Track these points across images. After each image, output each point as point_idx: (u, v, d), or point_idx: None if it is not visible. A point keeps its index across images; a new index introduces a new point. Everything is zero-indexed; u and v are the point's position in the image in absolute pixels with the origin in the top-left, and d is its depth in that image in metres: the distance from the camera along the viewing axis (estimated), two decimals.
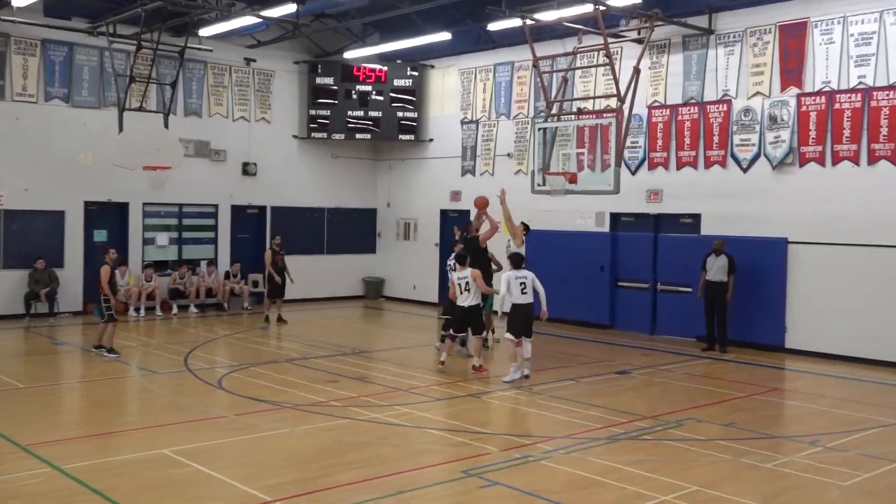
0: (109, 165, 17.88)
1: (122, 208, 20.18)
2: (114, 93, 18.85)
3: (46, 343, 15.98)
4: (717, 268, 15.31)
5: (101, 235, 19.95)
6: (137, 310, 19.30)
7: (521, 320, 12.70)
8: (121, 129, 17.75)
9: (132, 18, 17.36)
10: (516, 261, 13.10)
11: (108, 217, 20.10)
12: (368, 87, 22.55)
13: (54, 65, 18.97)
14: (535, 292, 12.89)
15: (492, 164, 21.04)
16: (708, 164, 16.79)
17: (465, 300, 13.29)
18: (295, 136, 22.77)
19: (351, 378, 12.79)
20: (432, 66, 22.68)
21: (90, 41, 19.09)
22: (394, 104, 22.67)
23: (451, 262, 15.12)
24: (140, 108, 18.31)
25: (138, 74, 18.37)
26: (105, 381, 12.74)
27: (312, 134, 22.61)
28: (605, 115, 16.17)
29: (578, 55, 17.00)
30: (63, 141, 18.86)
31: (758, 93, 16.04)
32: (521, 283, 12.72)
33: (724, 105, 16.50)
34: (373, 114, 22.63)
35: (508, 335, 12.66)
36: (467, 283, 13.25)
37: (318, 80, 22.45)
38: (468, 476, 8.08)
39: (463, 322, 13.58)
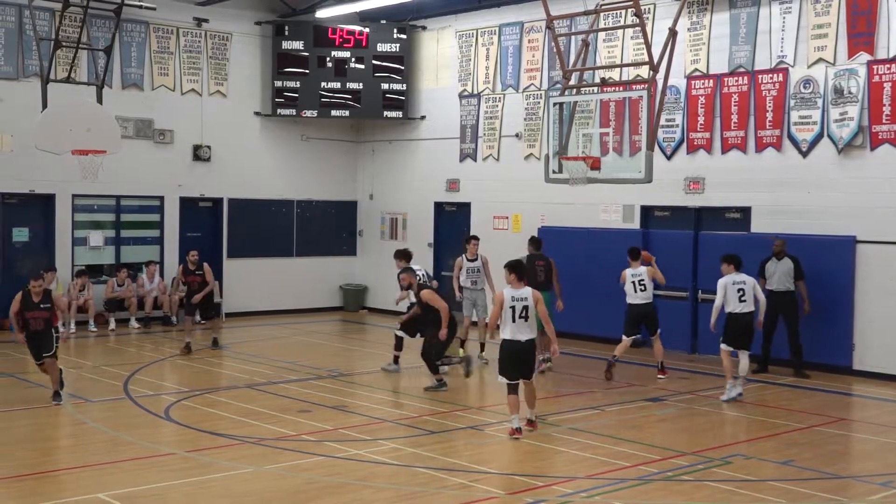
0: (31, 149, 17.93)
1: (47, 201, 20.25)
2: (35, 60, 18.88)
3: None
4: (780, 274, 15.36)
5: (21, 234, 20.02)
6: (65, 325, 19.34)
7: (740, 330, 13.58)
8: (44, 105, 17.78)
9: None
10: (737, 262, 13.81)
11: (29, 212, 20.17)
12: (346, 54, 22.66)
13: None
14: (756, 300, 13.69)
15: (497, 147, 21.15)
16: (760, 146, 16.91)
17: (522, 332, 11.19)
18: (257, 114, 22.88)
19: (327, 407, 12.87)
20: (424, 28, 22.78)
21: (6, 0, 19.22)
22: (377, 74, 22.77)
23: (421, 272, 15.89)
24: (68, 80, 18.36)
25: (65, 38, 18.39)
26: (28, 411, 12.79)
27: (278, 110, 22.72)
28: (634, 87, 16.28)
29: (602, 14, 17.07)
30: None
31: (820, 59, 16.16)
32: (738, 290, 13.56)
33: (780, 75, 16.63)
34: (352, 86, 22.74)
35: (725, 346, 13.54)
36: (525, 308, 11.15)
37: (285, 45, 22.55)
38: None
39: (518, 363, 11.30)
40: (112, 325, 20.07)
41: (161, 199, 21.71)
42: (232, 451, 10.46)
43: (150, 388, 14.05)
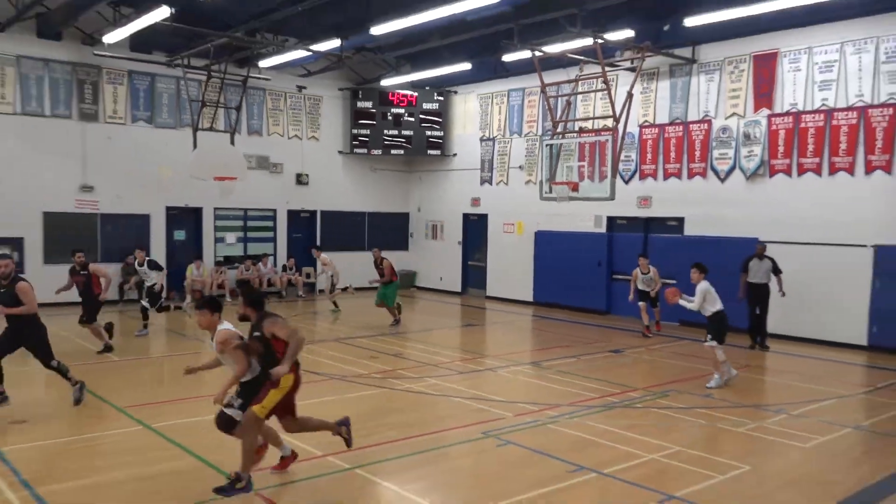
0: (186, 177, 18.17)
1: (197, 212, 20.48)
2: (188, 115, 19.13)
3: (136, 324, 16.27)
4: (762, 271, 14.17)
5: (180, 235, 20.28)
6: (224, 296, 19.59)
7: (728, 327, 11.07)
8: (195, 146, 18.03)
9: (203, 52, 17.62)
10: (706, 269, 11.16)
11: (185, 220, 20.41)
12: (402, 110, 22.70)
13: (139, 92, 19.28)
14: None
15: (506, 175, 21.11)
16: (691, 174, 16.79)
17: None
18: (340, 152, 22.96)
19: (388, 354, 12.97)
20: (455, 92, 22.78)
21: (168, 72, 19.38)
22: (423, 124, 22.81)
23: None
24: (210, 128, 18.58)
25: (209, 100, 18.63)
26: (184, 356, 12.99)
27: (354, 150, 22.79)
28: (602, 133, 16.21)
29: (580, 81, 17.05)
30: (147, 156, 19.17)
31: (734, 114, 16.03)
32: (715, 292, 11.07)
33: (705, 124, 16.50)
34: (405, 132, 22.78)
35: (717, 344, 10.83)
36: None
37: (359, 104, 22.62)
38: (486, 437, 8.21)
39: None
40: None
41: (274, 211, 21.86)
42: (324, 385, 10.57)
43: None
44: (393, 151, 22.92)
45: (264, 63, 19.35)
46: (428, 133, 22.83)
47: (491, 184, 21.58)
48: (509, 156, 21.00)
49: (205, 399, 9.87)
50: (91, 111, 18.57)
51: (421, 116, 22.75)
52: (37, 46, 17.72)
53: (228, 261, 20.80)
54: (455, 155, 22.83)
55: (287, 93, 21.81)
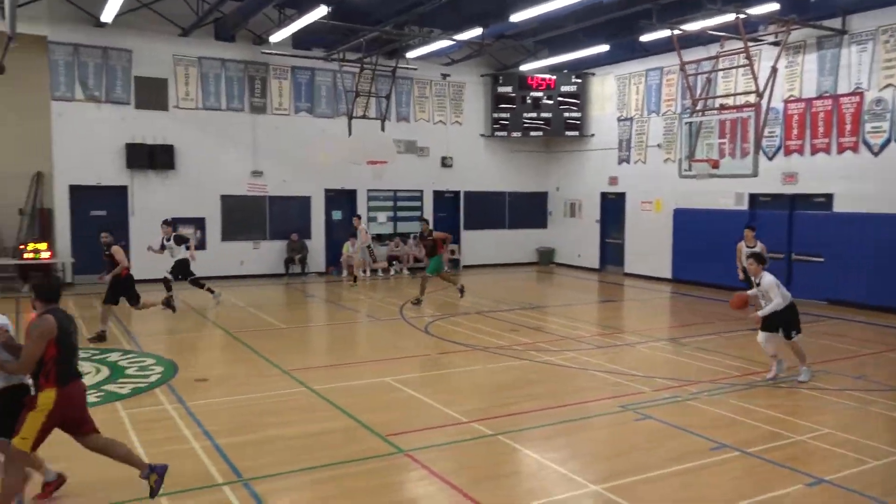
0: (343, 162, 18.75)
1: (351, 194, 21.11)
2: (344, 105, 19.71)
3: (300, 295, 17.06)
4: None
5: (336, 214, 21.01)
6: (365, 272, 20.23)
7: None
8: (350, 133, 18.57)
9: (356, 46, 18.00)
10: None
11: (341, 201, 21.10)
12: (540, 94, 22.28)
13: (301, 85, 20.04)
14: None
15: (644, 154, 20.27)
16: (840, 149, 15.37)
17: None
18: (482, 135, 22.89)
19: (528, 328, 12.82)
20: (593, 74, 22.07)
21: (326, 66, 20.00)
22: (561, 106, 22.29)
23: None
24: (363, 116, 19.05)
25: (362, 90, 19.05)
26: (343, 325, 13.47)
27: (495, 133, 22.65)
28: (744, 109, 15.16)
29: (721, 58, 16.01)
30: (308, 142, 19.90)
31: (888, 85, 14.47)
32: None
33: (857, 97, 15.01)
34: (544, 115, 22.36)
35: (795, 334, 9.03)
36: None
37: (500, 89, 22.41)
38: (625, 410, 7.93)
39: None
40: (392, 272, 20.79)
41: (421, 192, 22.14)
42: (467, 355, 10.60)
43: (416, 313, 14.33)
44: (532, 133, 22.57)
45: (411, 54, 19.56)
46: (566, 115, 22.30)
47: (629, 162, 20.80)
48: (647, 135, 20.13)
49: (358, 365, 10.20)
50: (260, 104, 19.52)
51: (559, 99, 22.24)
52: (214, 48, 18.80)
53: (380, 238, 21.33)
54: (593, 135, 22.16)
55: (432, 81, 21.95)
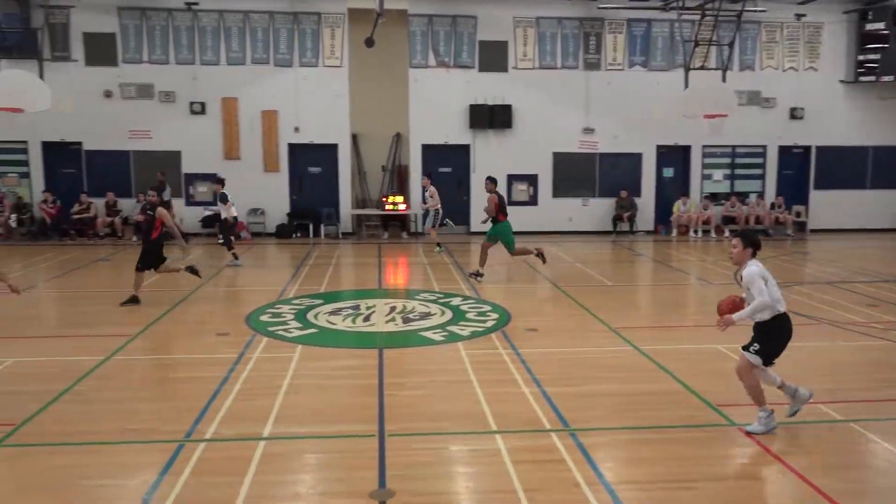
0: (676, 116, 17.96)
1: (685, 150, 20.17)
2: (681, 57, 18.76)
3: (627, 254, 16.93)
4: None
5: (668, 172, 20.30)
6: (696, 231, 19.33)
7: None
8: (686, 86, 17.65)
9: None
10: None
11: (674, 157, 20.30)
12: None
13: (636, 39, 19.55)
14: None
15: None
16: None
17: None
18: (841, 81, 20.11)
19: (891, 304, 11.10)
20: None
21: (663, 16, 19.19)
22: None
23: None
24: (702, 67, 17.93)
25: (701, 39, 17.97)
26: (671, 286, 13.07)
27: (860, 78, 19.72)
28: None
29: None
30: (640, 98, 19.42)
31: None
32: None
33: None
34: None
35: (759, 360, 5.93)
36: None
37: (868, 27, 19.39)
38: None
39: None
40: (726, 233, 19.41)
41: (764, 147, 20.31)
42: (814, 329, 9.48)
43: None
44: None
45: None
46: None
47: None
48: None
49: (687, 328, 9.81)
50: (594, 60, 19.50)
51: None
52: (552, 8, 19.18)
53: (715, 197, 20.11)
54: None
55: (784, 23, 19.79)
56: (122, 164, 18.62)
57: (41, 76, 16.54)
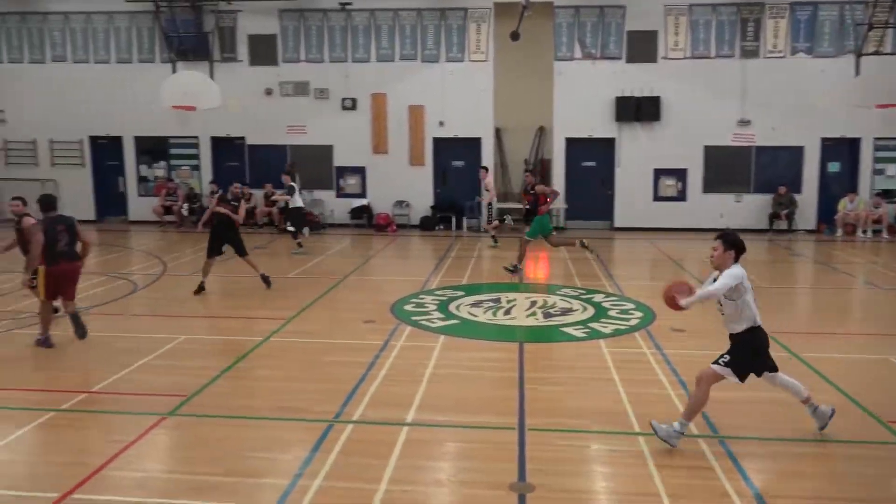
0: (844, 106, 16.61)
1: (853, 143, 18.57)
2: (851, 41, 17.29)
3: (784, 254, 15.91)
4: None
5: (833, 167, 18.81)
6: (865, 231, 17.81)
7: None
8: (857, 73, 16.27)
9: None
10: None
11: (841, 150, 18.78)
12: None
13: (799, 23, 18.23)
14: None
15: None
16: None
17: None
18: None
19: None
20: None
21: None
22: None
23: None
24: (875, 53, 16.47)
25: (876, 21, 16.49)
26: (835, 289, 12.16)
27: None
28: None
29: None
30: (803, 87, 18.12)
31: None
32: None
33: None
34: None
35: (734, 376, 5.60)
36: None
37: None
38: None
39: None
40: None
41: None
42: None
43: None
44: None
45: None
46: None
47: None
48: None
49: (853, 336, 9.06)
50: (752, 48, 18.40)
51: None
52: None
53: (888, 194, 18.40)
54: None
55: None
56: (279, 157, 19.80)
57: (212, 76, 17.93)
